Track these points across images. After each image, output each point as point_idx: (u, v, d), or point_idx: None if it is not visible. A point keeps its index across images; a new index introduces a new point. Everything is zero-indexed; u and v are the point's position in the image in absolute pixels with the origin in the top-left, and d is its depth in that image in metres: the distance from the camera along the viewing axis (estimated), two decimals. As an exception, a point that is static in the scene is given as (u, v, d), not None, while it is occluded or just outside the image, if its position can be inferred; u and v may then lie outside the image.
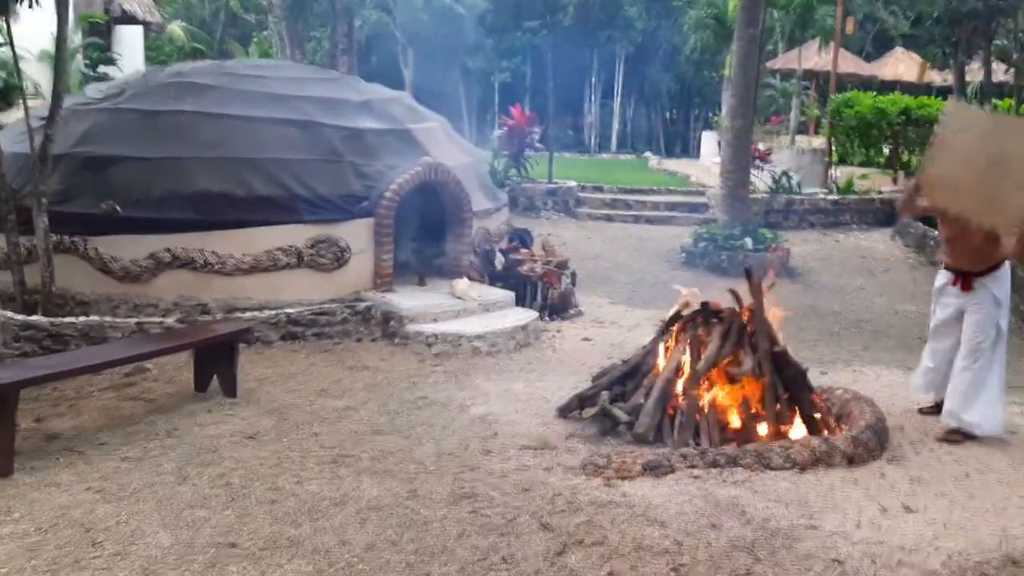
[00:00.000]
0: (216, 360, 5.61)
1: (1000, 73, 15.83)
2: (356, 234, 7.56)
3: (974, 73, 15.32)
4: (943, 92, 20.77)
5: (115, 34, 20.50)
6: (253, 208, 7.30)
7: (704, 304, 5.61)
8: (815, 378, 6.31)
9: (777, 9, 19.57)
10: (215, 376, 5.68)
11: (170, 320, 6.82)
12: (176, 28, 25.42)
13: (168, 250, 7.14)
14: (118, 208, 7.18)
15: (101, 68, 17.43)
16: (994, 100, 14.28)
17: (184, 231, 7.17)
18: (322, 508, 4.04)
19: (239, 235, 7.23)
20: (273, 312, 7.08)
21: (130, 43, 20.96)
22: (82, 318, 6.72)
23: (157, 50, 25.02)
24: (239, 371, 5.95)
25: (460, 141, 9.66)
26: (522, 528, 3.94)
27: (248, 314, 7.01)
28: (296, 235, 7.35)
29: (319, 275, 7.44)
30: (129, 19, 20.17)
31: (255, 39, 26.41)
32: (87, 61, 18.03)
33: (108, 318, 6.80)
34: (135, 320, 6.79)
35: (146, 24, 21.02)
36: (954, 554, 3.90)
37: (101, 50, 18.47)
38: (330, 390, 5.94)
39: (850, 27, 21.29)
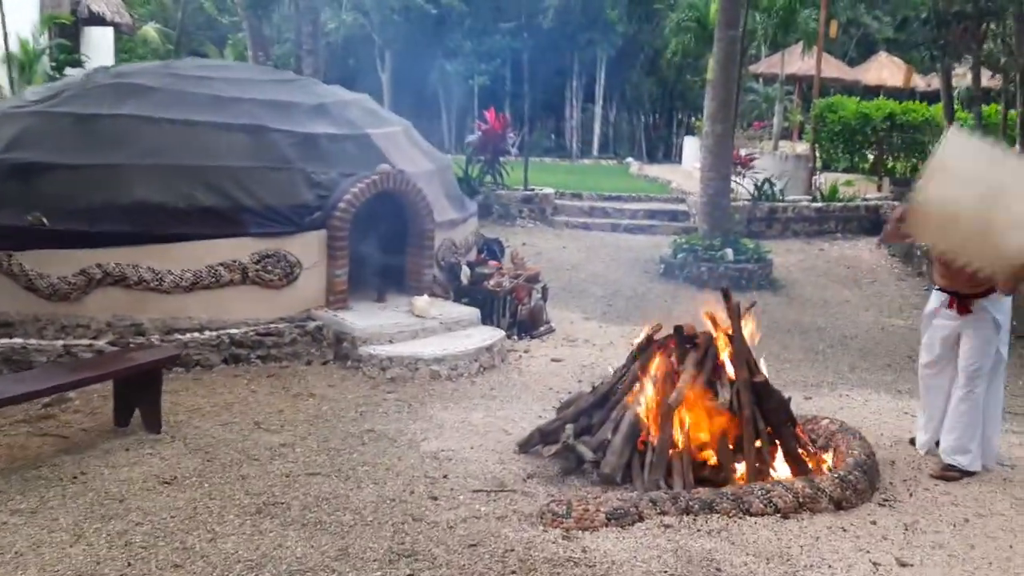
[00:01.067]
0: (138, 391, 5.04)
1: (986, 78, 15.46)
2: (307, 248, 7.01)
3: (960, 78, 14.94)
4: (928, 97, 20.47)
5: (84, 36, 19.90)
6: (194, 220, 6.73)
7: (677, 328, 5.11)
8: (799, 404, 5.84)
9: (760, 12, 19.17)
10: (138, 409, 5.12)
11: (101, 343, 6.27)
12: (150, 30, 24.83)
13: (100, 266, 6.55)
14: (45, 220, 6.61)
15: (68, 70, 16.78)
16: (981, 106, 13.87)
17: (118, 245, 6.58)
18: (235, 574, 3.51)
19: (178, 249, 6.66)
20: (215, 333, 6.54)
21: (99, 45, 20.41)
22: (4, 340, 6.15)
23: (130, 52, 24.37)
24: (169, 400, 5.42)
25: (425, 146, 9.11)
26: (464, 597, 3.43)
27: (187, 335, 6.46)
28: (241, 249, 6.79)
29: (266, 292, 6.88)
30: (98, 20, 19.57)
31: (230, 41, 25.83)
32: (53, 63, 17.41)
33: (33, 340, 6.23)
34: (62, 343, 6.23)
35: (115, 25, 20.43)
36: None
37: (68, 51, 17.84)
38: (268, 423, 5.39)
39: (833, 31, 20.96)
